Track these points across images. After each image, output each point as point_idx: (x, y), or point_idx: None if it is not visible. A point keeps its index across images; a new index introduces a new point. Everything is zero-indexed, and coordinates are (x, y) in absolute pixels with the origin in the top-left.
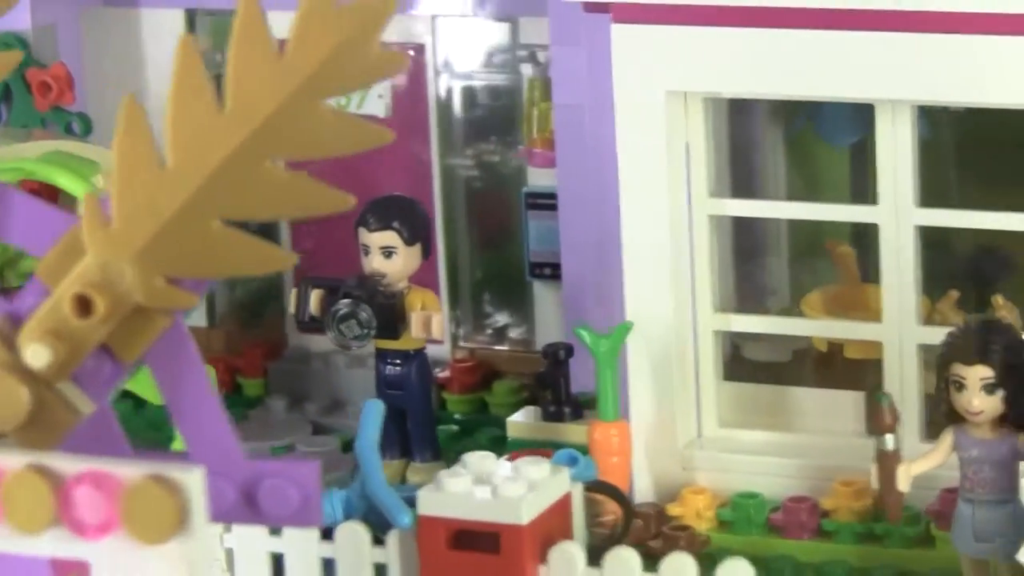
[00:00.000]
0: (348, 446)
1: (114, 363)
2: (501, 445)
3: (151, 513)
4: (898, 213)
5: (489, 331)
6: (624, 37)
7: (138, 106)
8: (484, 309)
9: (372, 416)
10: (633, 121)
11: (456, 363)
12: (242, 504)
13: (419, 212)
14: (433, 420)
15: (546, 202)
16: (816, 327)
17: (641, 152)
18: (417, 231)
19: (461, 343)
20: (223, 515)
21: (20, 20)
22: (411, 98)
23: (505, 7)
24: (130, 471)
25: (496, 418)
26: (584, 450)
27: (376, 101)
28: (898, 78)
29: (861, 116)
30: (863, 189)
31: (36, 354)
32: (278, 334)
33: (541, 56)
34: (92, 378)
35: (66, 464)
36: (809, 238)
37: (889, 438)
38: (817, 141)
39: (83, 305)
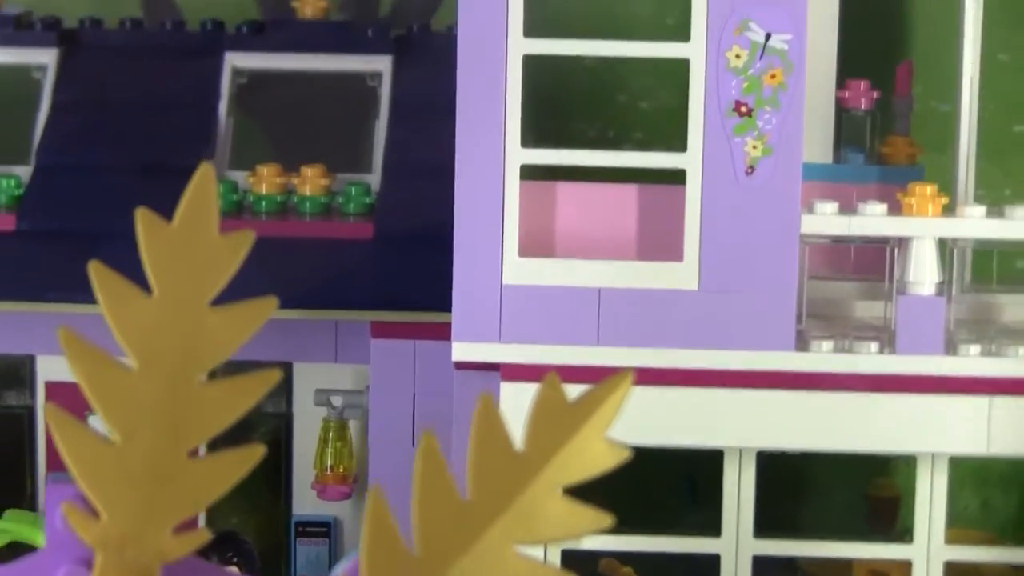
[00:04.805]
0: None
1: None
2: None
3: None
4: (739, 544)
5: None
6: (511, 395)
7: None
8: None
9: None
10: None
11: None
12: None
13: (251, 547)
14: None
15: (317, 530)
16: None
17: None
18: (253, 566)
19: None
20: None
21: None
22: None
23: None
24: None
25: None
26: None
27: None
28: (746, 428)
29: None
30: None
31: None
32: None
33: (336, 400)
34: None
35: None
36: None
37: None
38: None
39: None
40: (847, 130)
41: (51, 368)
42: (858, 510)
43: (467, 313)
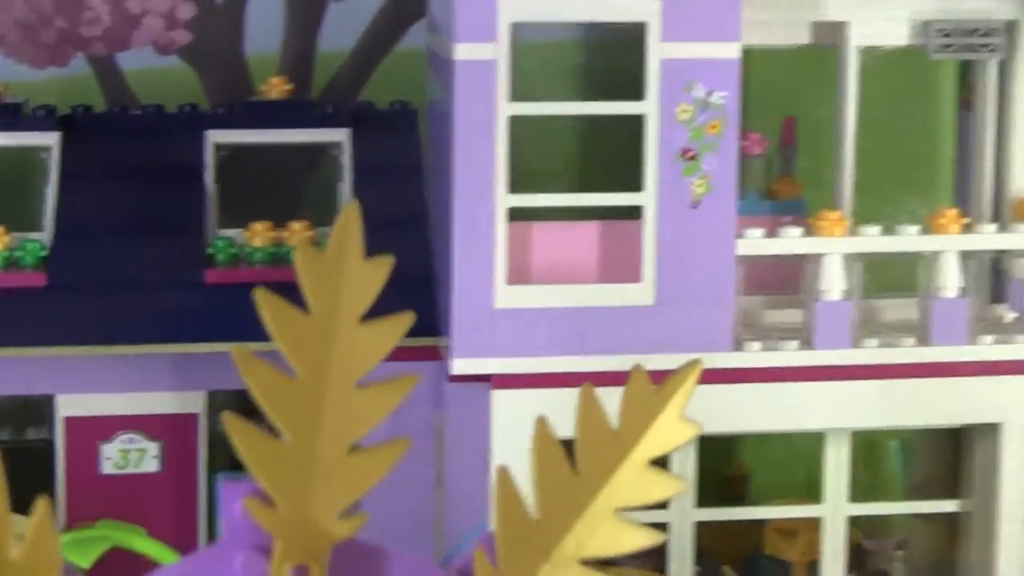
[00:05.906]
0: None
1: None
2: None
3: None
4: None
5: None
6: (502, 401)
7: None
8: None
9: None
10: None
11: None
12: None
13: None
14: None
15: None
16: None
17: None
18: None
19: None
20: None
21: None
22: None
23: None
24: None
25: None
26: None
27: (150, 460)
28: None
29: None
30: None
31: None
32: None
33: None
34: None
35: None
36: None
37: None
38: None
39: None
40: (746, 172)
41: (70, 405)
42: (716, 488)
43: (465, 333)
